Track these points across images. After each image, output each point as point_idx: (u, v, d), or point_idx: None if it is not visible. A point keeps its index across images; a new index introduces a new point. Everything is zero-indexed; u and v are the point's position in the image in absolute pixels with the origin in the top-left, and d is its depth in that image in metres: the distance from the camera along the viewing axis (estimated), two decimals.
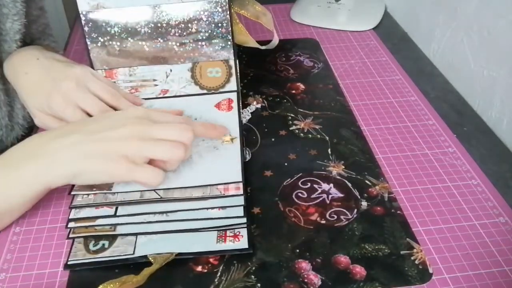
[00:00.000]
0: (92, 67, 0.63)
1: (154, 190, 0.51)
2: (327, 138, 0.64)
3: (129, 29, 0.62)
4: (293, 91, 0.74)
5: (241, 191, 0.51)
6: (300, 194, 0.56)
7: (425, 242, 0.51)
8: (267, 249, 0.50)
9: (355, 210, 0.54)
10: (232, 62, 0.64)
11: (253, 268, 0.48)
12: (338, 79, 0.76)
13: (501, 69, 0.67)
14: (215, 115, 0.61)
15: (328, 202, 0.55)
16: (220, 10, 0.62)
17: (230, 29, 0.63)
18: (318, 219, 0.53)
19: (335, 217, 0.54)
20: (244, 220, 0.51)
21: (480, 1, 0.70)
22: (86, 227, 0.50)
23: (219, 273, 0.48)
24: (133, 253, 0.49)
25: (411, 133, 0.65)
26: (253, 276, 0.47)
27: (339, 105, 0.70)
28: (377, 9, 0.96)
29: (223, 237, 0.50)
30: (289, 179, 0.58)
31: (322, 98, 0.72)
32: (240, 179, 0.52)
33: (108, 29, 0.62)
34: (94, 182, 0.51)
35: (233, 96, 0.64)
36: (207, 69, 0.64)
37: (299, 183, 0.58)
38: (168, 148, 0.50)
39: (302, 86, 0.75)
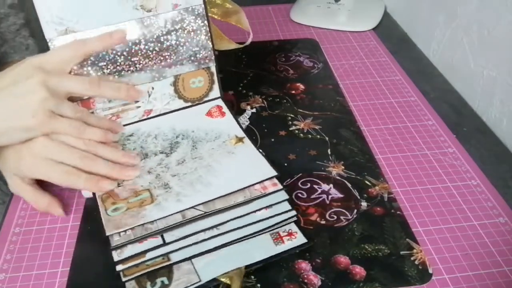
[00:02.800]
0: None
1: (193, 207, 0.49)
2: (327, 138, 0.64)
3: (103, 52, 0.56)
4: (293, 92, 0.74)
5: (280, 186, 0.52)
6: (300, 195, 0.56)
7: (425, 242, 0.51)
8: None
9: (355, 211, 0.54)
10: (213, 68, 0.62)
11: (253, 268, 0.48)
12: (338, 79, 0.76)
13: (501, 69, 0.67)
14: (211, 124, 0.61)
15: (328, 202, 0.55)
16: (196, 17, 0.59)
17: (209, 35, 0.60)
18: (318, 219, 0.53)
19: (335, 217, 0.54)
20: (294, 213, 0.51)
21: (480, 1, 0.70)
22: (136, 265, 0.46)
23: None
24: (200, 280, 0.46)
25: (410, 134, 0.65)
26: (253, 276, 0.47)
27: (339, 105, 0.70)
28: (377, 9, 0.96)
29: (280, 239, 0.50)
30: (289, 179, 0.58)
31: (322, 99, 0.72)
32: (275, 173, 0.53)
33: None
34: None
35: (220, 102, 0.64)
36: (189, 80, 0.61)
37: (299, 184, 0.58)
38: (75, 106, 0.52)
39: (302, 87, 0.75)
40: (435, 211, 0.54)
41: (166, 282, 0.46)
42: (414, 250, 0.50)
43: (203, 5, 0.59)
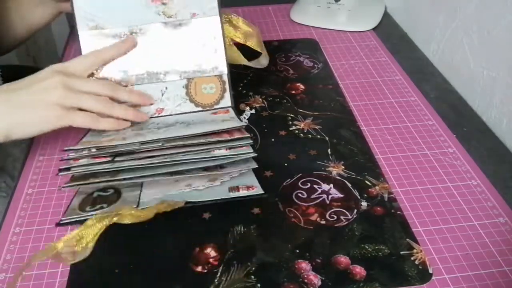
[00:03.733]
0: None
1: (154, 140, 0.53)
2: (327, 138, 0.64)
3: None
4: (293, 91, 0.74)
5: (247, 134, 0.55)
6: (300, 195, 0.56)
7: (425, 242, 0.51)
8: (267, 249, 0.50)
9: (355, 211, 0.54)
10: (225, 77, 0.64)
11: (253, 268, 0.48)
12: (338, 79, 0.76)
13: (501, 69, 0.67)
14: (213, 117, 0.62)
15: (328, 202, 0.55)
16: (213, 25, 0.62)
17: (223, 43, 0.63)
18: (318, 219, 0.53)
19: (335, 217, 0.54)
20: (253, 154, 0.54)
21: (480, 1, 0.70)
22: (84, 178, 0.51)
23: (219, 274, 0.48)
24: (136, 207, 0.50)
25: (411, 133, 0.65)
26: (253, 276, 0.47)
27: (339, 105, 0.70)
28: (377, 9, 0.96)
29: (236, 189, 0.51)
30: (289, 179, 0.58)
31: (322, 98, 0.72)
32: (244, 124, 0.57)
33: None
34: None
35: (230, 109, 0.65)
36: (201, 85, 0.63)
37: (299, 183, 0.58)
38: (94, 99, 0.54)
39: (302, 86, 0.75)
40: (435, 211, 0.54)
41: (105, 206, 0.50)
42: (414, 250, 0.50)
43: (218, 16, 0.62)
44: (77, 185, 0.52)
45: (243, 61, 0.70)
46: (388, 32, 0.90)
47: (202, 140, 0.54)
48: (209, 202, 0.52)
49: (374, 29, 0.91)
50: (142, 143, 0.52)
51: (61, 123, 0.53)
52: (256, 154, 0.55)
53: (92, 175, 0.52)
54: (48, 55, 1.54)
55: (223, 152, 0.53)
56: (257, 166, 0.55)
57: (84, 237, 0.46)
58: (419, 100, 0.72)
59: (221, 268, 0.48)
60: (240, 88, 0.74)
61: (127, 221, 0.48)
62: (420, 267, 0.48)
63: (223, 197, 0.52)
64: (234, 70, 0.76)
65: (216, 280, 0.47)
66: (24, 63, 1.38)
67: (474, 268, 0.48)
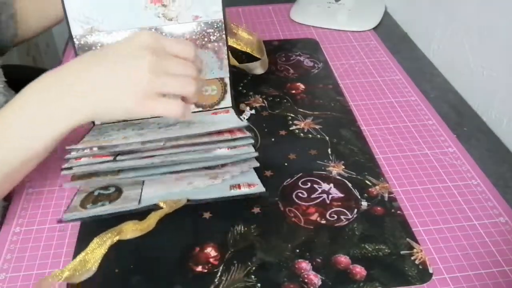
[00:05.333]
0: None
1: (156, 140, 0.52)
2: (327, 138, 0.64)
3: None
4: (293, 91, 0.74)
5: (248, 134, 0.55)
6: (300, 194, 0.56)
7: (425, 242, 0.51)
8: (267, 249, 0.50)
9: (355, 210, 0.54)
10: (227, 80, 0.64)
11: (253, 268, 0.48)
12: (338, 79, 0.76)
13: (501, 69, 0.67)
14: (213, 117, 0.62)
15: (328, 202, 0.55)
16: (215, 29, 0.62)
17: (225, 47, 0.63)
18: (318, 219, 0.53)
19: (335, 217, 0.54)
20: (255, 154, 0.54)
21: (480, 1, 0.70)
22: (86, 177, 0.51)
23: (219, 273, 0.48)
24: (137, 206, 0.49)
25: (411, 133, 0.65)
26: (253, 276, 0.47)
27: (339, 105, 0.70)
28: (377, 9, 0.96)
29: (237, 187, 0.51)
30: (289, 179, 0.58)
31: (322, 98, 0.72)
32: (245, 124, 0.57)
33: None
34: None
35: (230, 109, 0.65)
36: (203, 87, 0.64)
37: (299, 183, 0.58)
38: (181, 83, 0.48)
39: (302, 86, 0.75)
40: (436, 210, 0.54)
41: (106, 203, 0.50)
42: (415, 250, 0.50)
43: (222, 20, 0.61)
44: (79, 183, 0.52)
45: (232, 61, 0.70)
46: (388, 32, 0.90)
47: (204, 140, 0.53)
48: (211, 200, 0.52)
49: (374, 29, 0.91)
50: (144, 142, 0.52)
51: (148, 109, 0.47)
52: (257, 154, 0.55)
53: (93, 174, 0.52)
54: (48, 55, 1.54)
55: (224, 151, 0.53)
56: (258, 165, 0.55)
57: (88, 262, 0.46)
58: (419, 100, 0.71)
59: (221, 268, 0.48)
60: (240, 88, 0.74)
61: (129, 236, 0.47)
62: (420, 267, 0.48)
63: (225, 195, 0.52)
64: (235, 70, 0.77)
65: (216, 280, 0.47)
66: (24, 63, 1.38)
67: (474, 268, 0.48)
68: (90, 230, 0.52)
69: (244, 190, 0.52)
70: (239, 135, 0.55)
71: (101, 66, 0.48)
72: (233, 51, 0.71)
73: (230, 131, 0.56)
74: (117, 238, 0.47)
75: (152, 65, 0.46)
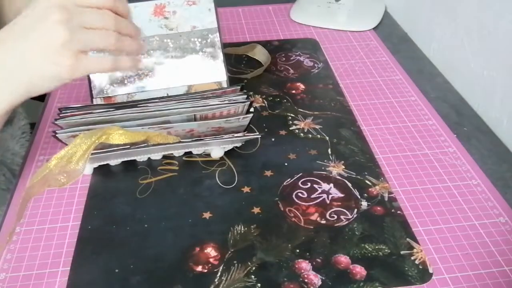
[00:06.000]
0: (92, 94, 0.62)
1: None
2: (327, 138, 0.64)
3: None
4: (293, 91, 0.74)
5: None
6: (300, 194, 0.56)
7: (425, 242, 0.51)
8: (267, 249, 0.50)
9: (355, 210, 0.54)
10: (224, 84, 0.65)
11: (253, 268, 0.48)
12: (338, 79, 0.76)
13: (501, 69, 0.67)
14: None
15: (328, 202, 0.55)
16: (210, 33, 0.65)
17: (221, 53, 0.65)
18: (318, 219, 0.53)
19: (335, 217, 0.54)
20: (248, 101, 0.57)
21: (480, 1, 0.70)
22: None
23: (219, 273, 0.48)
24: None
25: (411, 133, 0.65)
26: (253, 276, 0.47)
27: (339, 105, 0.70)
28: (377, 9, 0.95)
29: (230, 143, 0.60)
30: (289, 179, 0.58)
31: (322, 98, 0.72)
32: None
33: None
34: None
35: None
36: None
37: (299, 183, 0.58)
38: (99, 35, 0.45)
39: (302, 86, 0.75)
40: (436, 210, 0.54)
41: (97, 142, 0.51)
42: (415, 250, 0.50)
43: (217, 28, 0.65)
44: (71, 130, 0.51)
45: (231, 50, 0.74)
46: (388, 32, 0.90)
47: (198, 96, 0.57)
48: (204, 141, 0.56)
49: (374, 29, 0.91)
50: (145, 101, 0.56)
51: (74, 75, 0.45)
52: (250, 101, 0.57)
53: (86, 124, 0.53)
54: None
55: (217, 101, 0.56)
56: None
57: (74, 154, 0.45)
58: (419, 100, 0.71)
59: (221, 267, 0.48)
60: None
61: (115, 141, 0.47)
62: (420, 267, 0.48)
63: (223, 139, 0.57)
64: (235, 69, 0.77)
65: (216, 280, 0.47)
66: None
67: (474, 268, 0.48)
68: (90, 230, 0.52)
69: (238, 135, 0.57)
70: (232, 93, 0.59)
71: (9, 40, 0.45)
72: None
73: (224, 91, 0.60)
74: (103, 137, 0.46)
75: (63, 23, 0.43)
